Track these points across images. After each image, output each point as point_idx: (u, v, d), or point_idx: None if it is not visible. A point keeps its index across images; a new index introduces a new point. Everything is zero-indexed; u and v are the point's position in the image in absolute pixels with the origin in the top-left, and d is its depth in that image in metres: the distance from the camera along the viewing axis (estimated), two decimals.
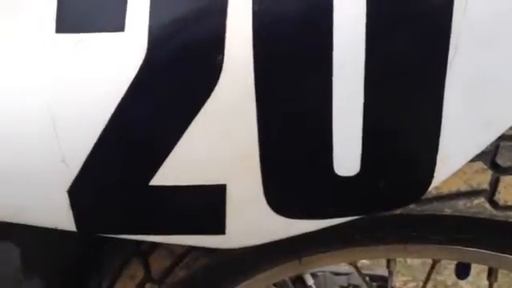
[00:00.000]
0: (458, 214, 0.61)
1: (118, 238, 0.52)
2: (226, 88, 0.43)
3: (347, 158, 0.46)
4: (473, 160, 0.60)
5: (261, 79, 0.43)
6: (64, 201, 0.48)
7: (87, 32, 0.44)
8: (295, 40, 0.42)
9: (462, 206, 0.61)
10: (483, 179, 0.61)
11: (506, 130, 0.60)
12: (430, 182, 0.48)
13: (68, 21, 0.44)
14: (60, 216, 0.50)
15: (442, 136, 0.45)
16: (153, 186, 0.47)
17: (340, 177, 0.47)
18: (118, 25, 0.43)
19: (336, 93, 0.43)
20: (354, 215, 0.49)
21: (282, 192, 0.48)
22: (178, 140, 0.45)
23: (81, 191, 0.48)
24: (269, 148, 0.45)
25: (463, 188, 0.61)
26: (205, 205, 0.48)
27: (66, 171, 0.47)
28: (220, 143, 0.45)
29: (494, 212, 0.61)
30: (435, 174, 0.47)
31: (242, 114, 0.44)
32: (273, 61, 0.42)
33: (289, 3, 0.41)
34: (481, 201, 0.61)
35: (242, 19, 0.42)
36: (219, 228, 0.50)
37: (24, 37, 0.45)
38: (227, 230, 0.50)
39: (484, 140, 0.46)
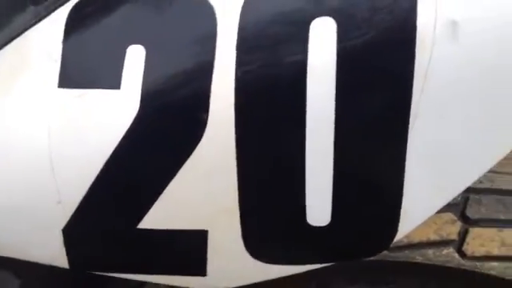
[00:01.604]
0: (428, 262, 0.65)
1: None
2: (209, 143, 0.48)
3: (319, 210, 0.50)
4: (443, 211, 0.65)
5: (241, 137, 0.47)
6: (58, 239, 0.52)
7: (87, 88, 0.48)
8: (272, 103, 0.47)
9: (432, 255, 0.65)
10: (452, 230, 0.65)
11: (475, 184, 0.65)
12: (394, 234, 0.52)
13: (70, 77, 0.49)
14: (54, 253, 0.53)
15: (404, 194, 0.49)
16: (141, 229, 0.51)
17: (312, 227, 0.51)
18: (114, 83, 0.48)
19: (309, 152, 0.48)
20: (326, 262, 0.53)
21: (260, 239, 0.52)
22: (164, 188, 0.49)
23: (74, 231, 0.52)
24: (247, 199, 0.50)
25: (433, 238, 0.65)
26: (188, 248, 0.52)
27: (61, 212, 0.51)
28: (203, 193, 0.49)
29: (462, 261, 0.65)
30: (399, 228, 0.51)
31: (223, 168, 0.48)
32: (252, 121, 0.47)
33: (267, 70, 0.46)
34: (450, 250, 0.65)
35: (225, 83, 0.46)
36: (201, 270, 0.53)
37: (30, 89, 0.49)
38: (208, 272, 0.54)
39: (439, 201, 0.51)
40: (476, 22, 0.45)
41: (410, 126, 0.47)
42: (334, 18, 0.45)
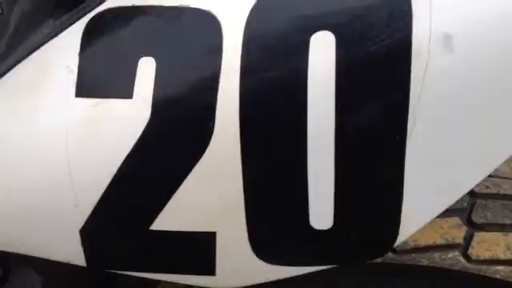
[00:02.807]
0: (433, 265, 0.66)
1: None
2: (216, 149, 0.50)
3: (322, 213, 0.52)
4: (449, 216, 0.67)
5: (246, 144, 0.50)
6: (76, 239, 0.56)
7: (102, 97, 0.51)
8: (275, 112, 0.49)
9: (438, 258, 0.66)
10: (458, 234, 0.67)
11: (482, 189, 0.66)
12: (396, 237, 0.53)
13: (86, 88, 0.52)
14: (72, 252, 0.57)
15: (404, 198, 0.51)
16: (153, 231, 0.54)
17: (315, 229, 0.53)
18: (127, 93, 0.51)
19: (310, 157, 0.50)
20: (328, 264, 0.56)
21: (265, 241, 0.54)
22: (174, 192, 0.52)
23: (91, 232, 0.55)
24: (252, 202, 0.52)
25: (439, 241, 0.67)
26: (198, 249, 0.55)
27: (78, 214, 0.54)
28: (211, 196, 0.52)
29: (467, 265, 0.66)
30: (400, 231, 0.53)
31: (229, 172, 0.51)
32: (256, 129, 0.50)
33: (269, 81, 0.49)
34: (455, 254, 0.66)
35: (230, 94, 0.49)
36: (210, 270, 0.56)
37: (49, 99, 0.53)
38: (217, 272, 0.56)
39: (440, 205, 0.52)
40: (469, 35, 0.47)
41: (409, 132, 0.49)
42: (333, 31, 0.48)
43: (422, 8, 0.47)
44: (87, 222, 0.54)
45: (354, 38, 0.48)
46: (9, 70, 0.54)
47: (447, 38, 0.46)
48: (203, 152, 0.51)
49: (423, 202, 0.52)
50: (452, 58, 0.47)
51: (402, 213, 0.52)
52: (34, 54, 0.54)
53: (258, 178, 0.51)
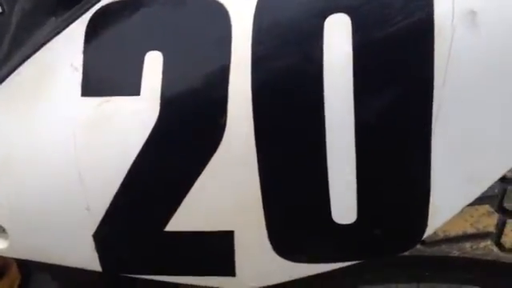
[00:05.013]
0: (465, 255, 0.63)
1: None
2: (229, 144, 0.48)
3: (344, 207, 0.50)
4: (480, 203, 0.63)
5: (260, 137, 0.47)
6: (90, 244, 0.54)
7: (108, 95, 0.49)
8: (290, 102, 0.46)
9: (469, 248, 0.63)
10: (490, 222, 0.64)
11: None
12: (424, 230, 0.50)
13: (92, 86, 0.50)
14: (87, 257, 0.55)
15: (432, 188, 0.48)
16: (168, 232, 0.52)
17: (338, 224, 0.50)
18: (134, 89, 0.48)
19: (329, 148, 0.47)
20: (353, 260, 0.53)
21: (286, 238, 0.52)
22: (188, 190, 0.50)
23: (104, 235, 0.53)
24: (271, 198, 0.49)
25: (470, 231, 0.63)
26: (216, 249, 0.53)
27: (90, 218, 0.52)
28: (226, 193, 0.50)
29: (501, 254, 0.63)
30: (429, 223, 0.50)
31: (244, 168, 0.48)
32: (270, 120, 0.47)
33: (283, 69, 0.46)
34: (487, 243, 0.63)
35: (242, 85, 0.46)
36: (230, 270, 0.54)
37: (55, 100, 0.51)
38: (237, 273, 0.54)
39: (470, 193, 0.49)
40: (496, 10, 0.43)
41: (434, 117, 0.46)
42: (349, 14, 0.45)
43: None
44: (100, 226, 0.52)
45: (371, 20, 0.44)
46: (12, 71, 0.52)
47: (472, 15, 0.43)
48: (216, 148, 0.48)
49: (452, 192, 0.49)
50: (477, 36, 0.44)
51: (430, 203, 0.49)
52: (37, 54, 0.51)
53: (274, 174, 0.49)
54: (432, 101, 0.45)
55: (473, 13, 0.43)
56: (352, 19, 0.45)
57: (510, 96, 0.46)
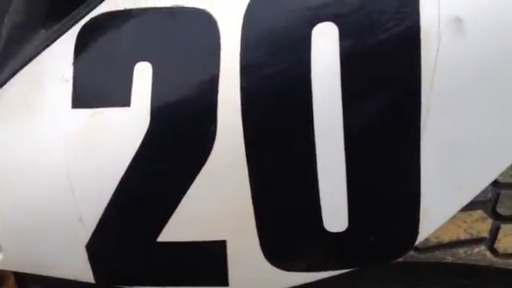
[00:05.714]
0: (459, 261, 0.63)
1: None
2: (220, 154, 0.48)
3: (335, 215, 0.50)
4: (473, 209, 0.63)
5: (250, 145, 0.47)
6: (83, 255, 0.54)
7: (99, 107, 0.49)
8: (279, 110, 0.47)
9: (463, 254, 0.63)
10: (483, 227, 0.63)
11: (506, 179, 0.63)
12: (416, 236, 0.51)
13: (82, 98, 0.50)
14: (80, 269, 0.55)
15: (422, 194, 0.48)
16: (160, 243, 0.52)
17: (330, 232, 0.50)
18: (124, 100, 0.49)
19: (319, 156, 0.47)
20: (346, 268, 0.53)
21: (278, 247, 0.52)
22: (179, 200, 0.50)
23: (97, 247, 0.53)
24: (262, 207, 0.50)
25: (463, 236, 0.63)
26: (208, 259, 0.53)
27: (83, 229, 0.52)
28: (217, 203, 0.50)
29: (495, 259, 0.63)
30: (420, 229, 0.50)
31: (235, 177, 0.49)
32: (260, 128, 0.47)
33: (271, 78, 0.46)
34: (481, 249, 0.63)
35: (231, 94, 0.46)
36: (223, 280, 0.54)
37: (46, 112, 0.51)
38: (230, 282, 0.54)
39: (461, 199, 0.49)
40: (480, 18, 0.44)
41: (422, 123, 0.46)
42: (336, 22, 0.45)
43: None
44: (92, 237, 0.52)
45: (357, 28, 0.45)
46: (3, 84, 0.52)
47: (457, 22, 0.43)
48: (207, 157, 0.48)
49: (443, 197, 0.49)
50: (464, 42, 0.44)
51: (421, 209, 0.49)
52: (28, 66, 0.52)
53: (265, 182, 0.49)
54: (420, 107, 0.45)
55: (458, 20, 0.43)
56: (339, 28, 0.45)
57: (498, 100, 0.47)
